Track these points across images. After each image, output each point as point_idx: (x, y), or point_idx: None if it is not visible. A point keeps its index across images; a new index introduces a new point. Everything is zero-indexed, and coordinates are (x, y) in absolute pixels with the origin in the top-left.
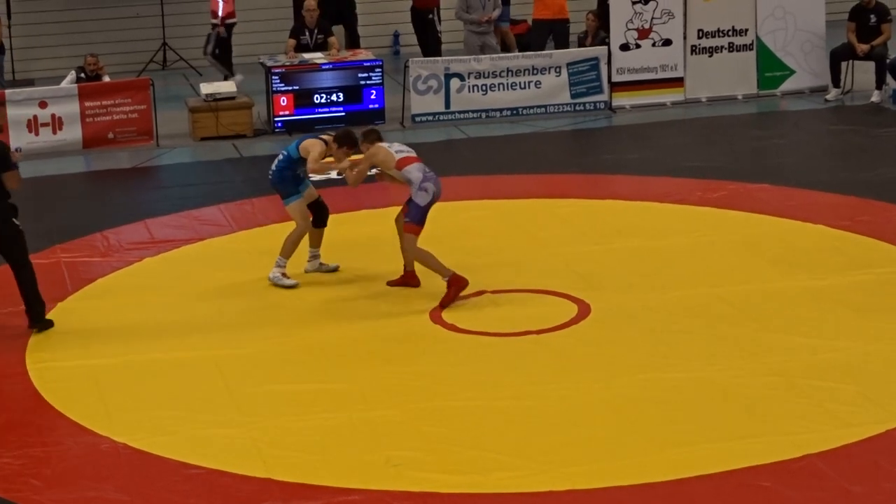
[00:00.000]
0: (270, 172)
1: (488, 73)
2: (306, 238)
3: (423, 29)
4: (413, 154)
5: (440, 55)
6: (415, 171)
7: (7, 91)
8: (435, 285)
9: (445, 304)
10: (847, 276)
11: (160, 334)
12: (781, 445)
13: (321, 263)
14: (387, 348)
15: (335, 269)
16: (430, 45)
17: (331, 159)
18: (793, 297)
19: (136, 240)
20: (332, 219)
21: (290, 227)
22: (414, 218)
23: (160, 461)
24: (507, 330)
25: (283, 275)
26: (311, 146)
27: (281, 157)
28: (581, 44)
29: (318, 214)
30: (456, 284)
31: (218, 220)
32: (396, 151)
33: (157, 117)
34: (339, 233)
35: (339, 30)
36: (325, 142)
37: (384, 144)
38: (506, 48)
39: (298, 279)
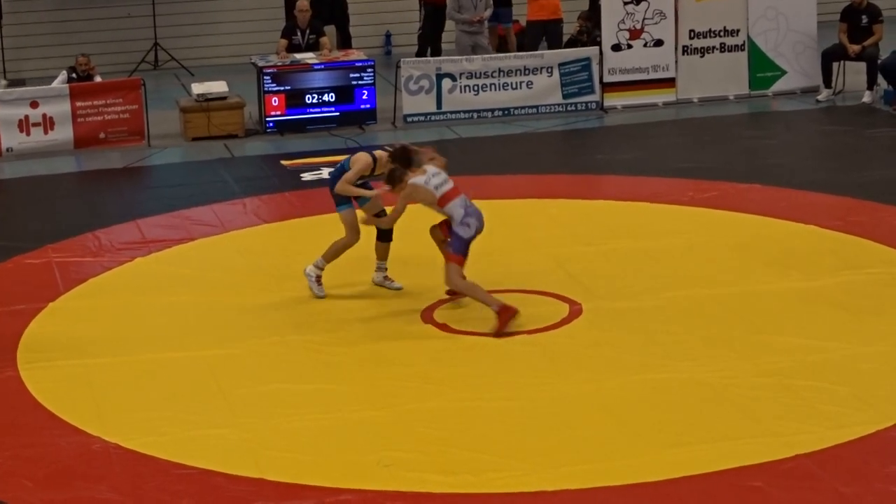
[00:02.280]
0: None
1: (480, 73)
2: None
3: (436, 23)
4: (450, 184)
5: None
6: (457, 207)
7: None
8: (422, 284)
9: (498, 334)
10: (839, 276)
11: (152, 334)
12: (773, 446)
13: (385, 278)
14: (379, 349)
15: (398, 289)
16: (438, 41)
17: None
18: (784, 298)
19: (127, 240)
20: (325, 218)
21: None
22: (457, 249)
23: (152, 461)
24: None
25: (318, 278)
26: (355, 161)
27: (339, 165)
28: (574, 45)
29: (382, 229)
30: (505, 314)
31: (210, 220)
32: (435, 187)
33: (148, 117)
34: (329, 233)
35: (330, 30)
36: (374, 158)
37: (419, 179)
38: (505, 49)
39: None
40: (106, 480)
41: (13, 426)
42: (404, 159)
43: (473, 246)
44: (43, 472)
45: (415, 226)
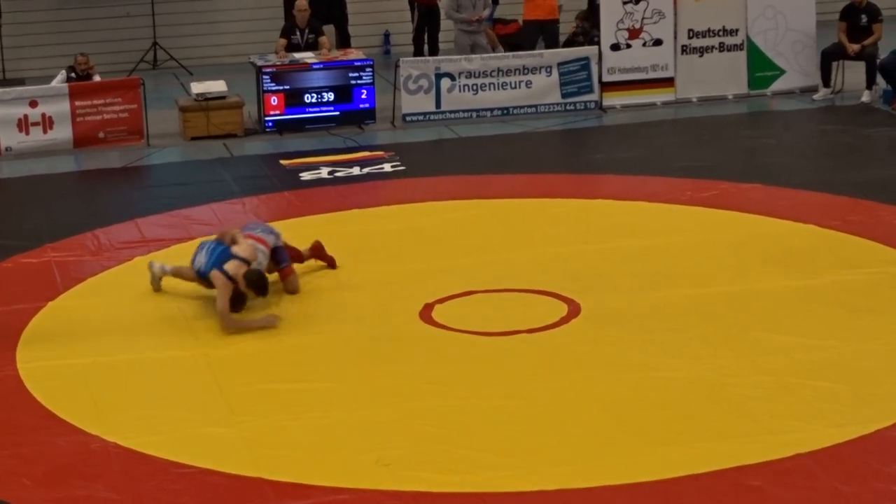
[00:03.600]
0: None
1: (479, 72)
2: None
3: (431, 24)
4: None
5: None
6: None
7: None
8: (420, 284)
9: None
10: (838, 275)
11: (151, 333)
12: (772, 445)
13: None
14: (377, 347)
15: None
16: (435, 40)
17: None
18: (783, 297)
19: (126, 239)
20: (324, 217)
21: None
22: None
23: (151, 460)
24: (497, 329)
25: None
26: (220, 286)
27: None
28: (571, 45)
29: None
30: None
31: (209, 219)
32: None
33: (147, 117)
34: (328, 231)
35: (329, 29)
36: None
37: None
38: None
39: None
40: (104, 479)
41: (11, 425)
42: (259, 287)
43: (471, 243)
44: (41, 470)
45: (411, 230)
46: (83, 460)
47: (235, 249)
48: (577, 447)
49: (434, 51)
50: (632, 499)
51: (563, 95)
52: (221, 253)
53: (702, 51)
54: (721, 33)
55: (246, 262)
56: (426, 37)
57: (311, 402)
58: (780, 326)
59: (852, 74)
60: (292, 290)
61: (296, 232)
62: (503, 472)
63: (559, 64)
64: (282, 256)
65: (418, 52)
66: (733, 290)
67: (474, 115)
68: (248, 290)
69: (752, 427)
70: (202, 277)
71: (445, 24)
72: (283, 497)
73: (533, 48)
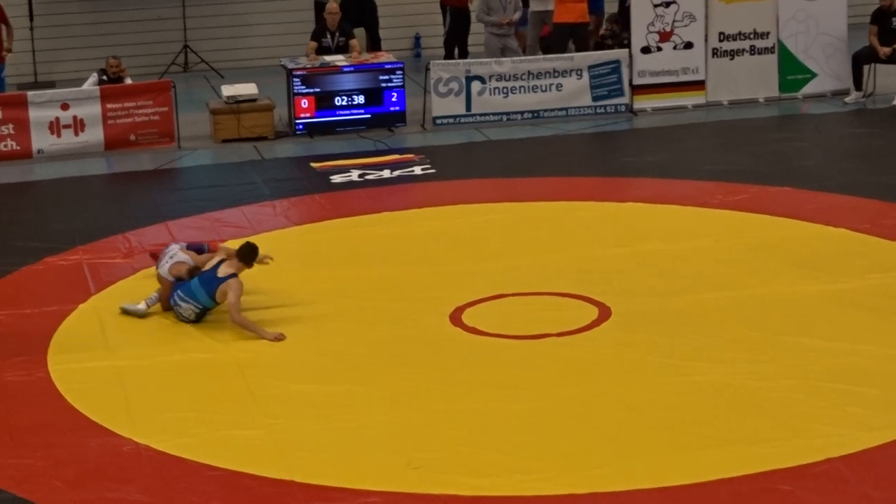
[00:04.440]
0: None
1: (509, 75)
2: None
3: (462, 27)
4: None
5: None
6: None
7: (29, 93)
8: (450, 287)
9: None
10: (869, 279)
11: (182, 336)
12: (802, 449)
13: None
14: (407, 351)
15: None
16: (465, 44)
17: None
18: (814, 301)
19: (157, 241)
20: (354, 220)
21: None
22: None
23: (182, 462)
24: (527, 333)
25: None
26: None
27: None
28: (600, 48)
29: None
30: None
31: (239, 222)
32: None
33: (178, 119)
34: (358, 234)
35: (360, 32)
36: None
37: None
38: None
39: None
40: (135, 482)
41: (43, 427)
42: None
43: (501, 247)
44: (72, 472)
45: (442, 233)
46: (114, 462)
47: (178, 269)
48: (608, 451)
49: (464, 54)
50: (662, 502)
51: (594, 98)
52: (204, 277)
53: (733, 54)
54: (752, 36)
55: (185, 262)
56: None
57: (341, 405)
58: (811, 330)
59: (884, 78)
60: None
61: (326, 234)
62: (533, 476)
63: (590, 67)
64: (197, 247)
65: (449, 55)
66: (763, 293)
67: (504, 118)
68: (189, 274)
69: (782, 431)
70: (205, 310)
71: (476, 27)
72: (313, 499)
73: (563, 51)
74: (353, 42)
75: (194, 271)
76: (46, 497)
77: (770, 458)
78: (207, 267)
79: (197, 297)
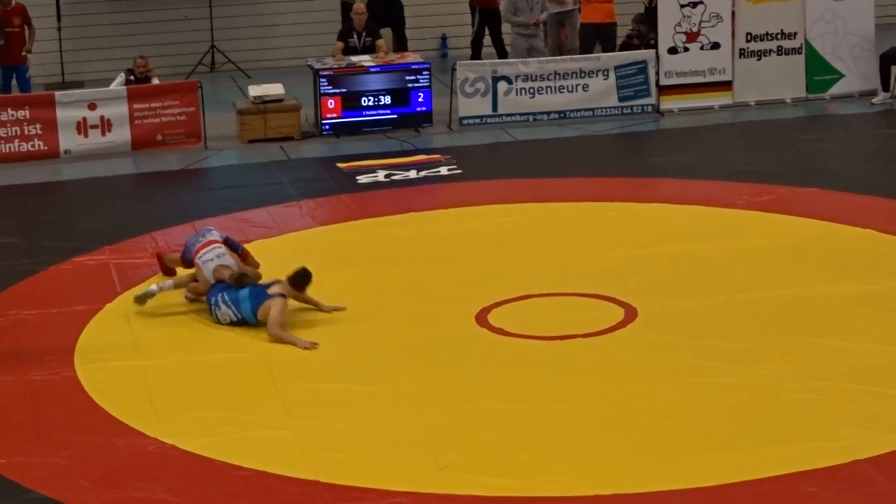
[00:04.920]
0: None
1: (536, 76)
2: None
3: (491, 26)
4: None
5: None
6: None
7: (57, 93)
8: (477, 288)
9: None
10: None
11: (208, 336)
12: (830, 451)
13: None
14: (433, 351)
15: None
16: (500, 42)
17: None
18: (841, 302)
19: (183, 241)
20: (380, 220)
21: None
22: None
23: (208, 462)
24: (553, 333)
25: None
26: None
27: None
28: (626, 48)
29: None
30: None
31: (265, 222)
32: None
33: (205, 119)
34: (385, 234)
35: (386, 32)
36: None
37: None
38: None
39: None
40: (161, 481)
41: (70, 426)
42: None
43: (527, 247)
44: (99, 471)
45: (469, 234)
46: (140, 462)
47: (222, 273)
48: (634, 452)
49: (502, 52)
50: None
51: (620, 99)
52: (253, 290)
53: (760, 54)
54: (779, 37)
55: (229, 267)
56: (488, 39)
57: (367, 405)
58: (838, 332)
59: None
60: (255, 264)
61: (352, 235)
62: (559, 477)
63: (616, 67)
64: (234, 244)
65: (476, 55)
66: (790, 294)
67: (531, 118)
68: (237, 282)
69: (809, 433)
70: (242, 322)
71: (503, 27)
72: (339, 499)
73: (590, 51)
74: (380, 42)
75: (242, 280)
76: (73, 496)
77: (796, 460)
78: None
79: (241, 307)
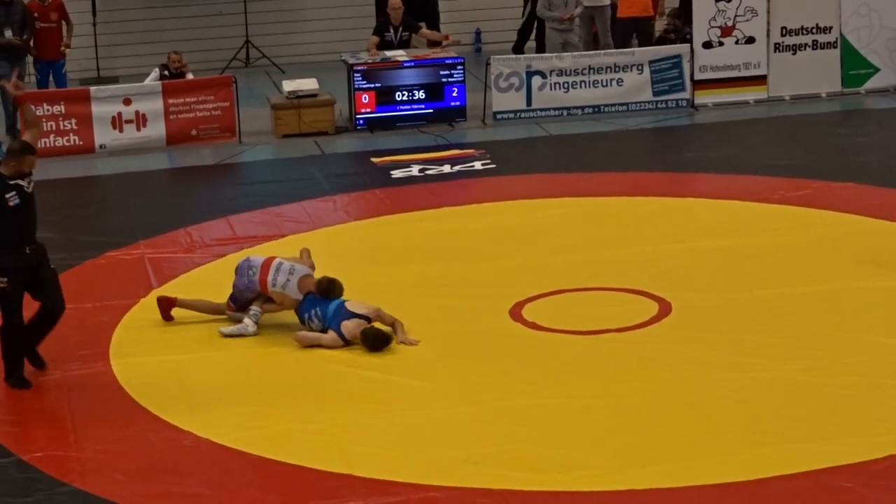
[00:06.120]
0: None
1: (570, 70)
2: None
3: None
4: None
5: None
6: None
7: (92, 88)
8: (511, 283)
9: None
10: None
11: None
12: (864, 446)
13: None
14: (467, 345)
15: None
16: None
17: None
18: (876, 297)
19: (218, 236)
20: (414, 215)
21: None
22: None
23: (242, 456)
24: (587, 328)
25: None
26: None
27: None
28: (662, 43)
29: None
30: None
31: (300, 216)
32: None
33: (239, 114)
34: (419, 229)
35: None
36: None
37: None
38: None
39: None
40: (196, 475)
41: (105, 420)
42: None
43: (562, 242)
44: (134, 465)
45: (502, 228)
46: (175, 456)
47: (351, 306)
48: (667, 447)
49: (540, 46)
50: (722, 499)
51: (655, 93)
52: (339, 308)
53: (795, 48)
54: (814, 31)
55: (366, 318)
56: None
57: (400, 400)
58: (873, 327)
59: None
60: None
61: (386, 229)
62: (592, 472)
63: (651, 62)
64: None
65: (520, 45)
66: (825, 289)
67: (565, 112)
68: (324, 291)
69: (844, 428)
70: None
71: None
72: (374, 493)
73: (626, 46)
74: (422, 27)
75: (330, 290)
76: (108, 490)
77: (831, 455)
78: (348, 301)
79: (330, 324)
